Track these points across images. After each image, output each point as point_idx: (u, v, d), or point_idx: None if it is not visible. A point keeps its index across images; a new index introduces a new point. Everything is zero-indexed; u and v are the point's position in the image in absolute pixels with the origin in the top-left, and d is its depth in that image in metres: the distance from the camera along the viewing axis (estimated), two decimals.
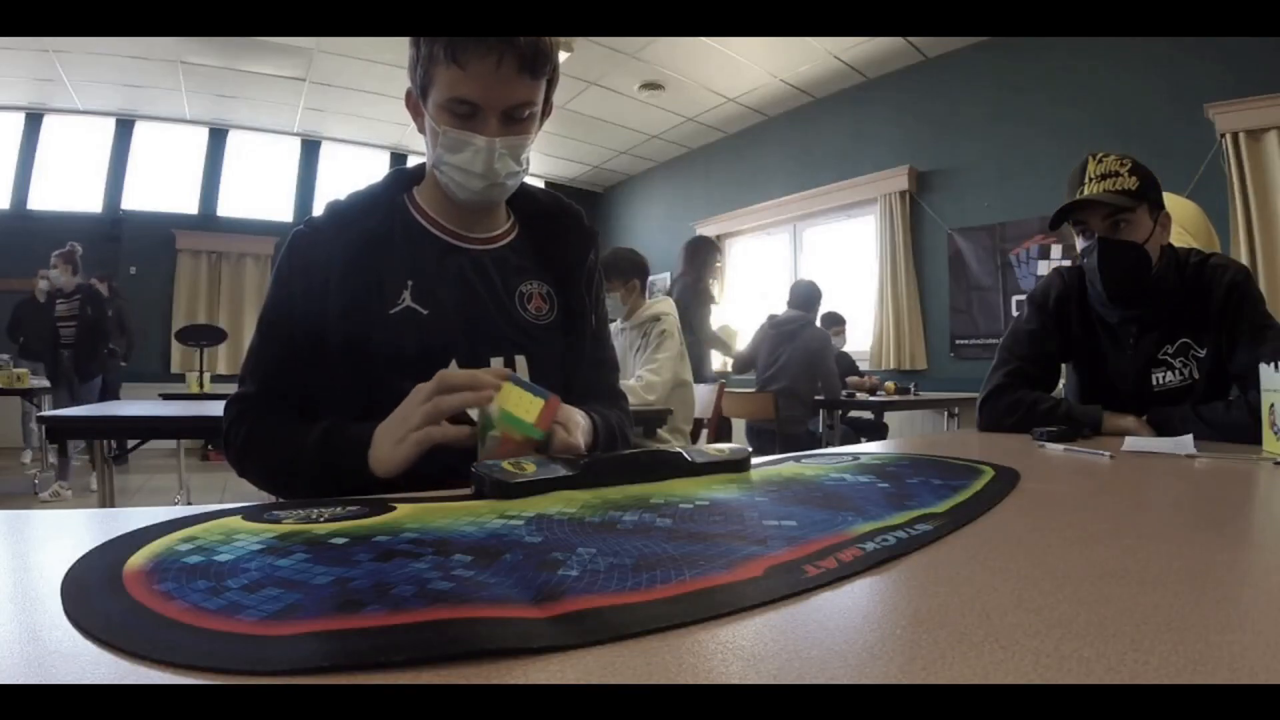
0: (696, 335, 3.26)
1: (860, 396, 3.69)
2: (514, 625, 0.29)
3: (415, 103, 0.84)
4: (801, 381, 3.36)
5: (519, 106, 0.79)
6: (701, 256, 3.46)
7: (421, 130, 0.85)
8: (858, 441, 3.00)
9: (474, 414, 0.67)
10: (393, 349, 0.78)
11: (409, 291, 0.81)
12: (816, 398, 3.41)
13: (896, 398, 3.89)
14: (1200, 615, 0.30)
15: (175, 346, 5.94)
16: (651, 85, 5.23)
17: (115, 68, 4.95)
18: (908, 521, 0.48)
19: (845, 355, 4.34)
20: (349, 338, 0.78)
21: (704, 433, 2.58)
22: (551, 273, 0.92)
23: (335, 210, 0.85)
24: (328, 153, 6.69)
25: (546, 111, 0.86)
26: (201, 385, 4.02)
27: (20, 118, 5.71)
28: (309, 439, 0.72)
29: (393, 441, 0.67)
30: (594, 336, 0.95)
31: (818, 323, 3.84)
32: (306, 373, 0.79)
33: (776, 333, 3.54)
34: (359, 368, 0.78)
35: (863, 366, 4.74)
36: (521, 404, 0.66)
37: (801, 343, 3.42)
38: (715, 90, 5.32)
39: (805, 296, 3.59)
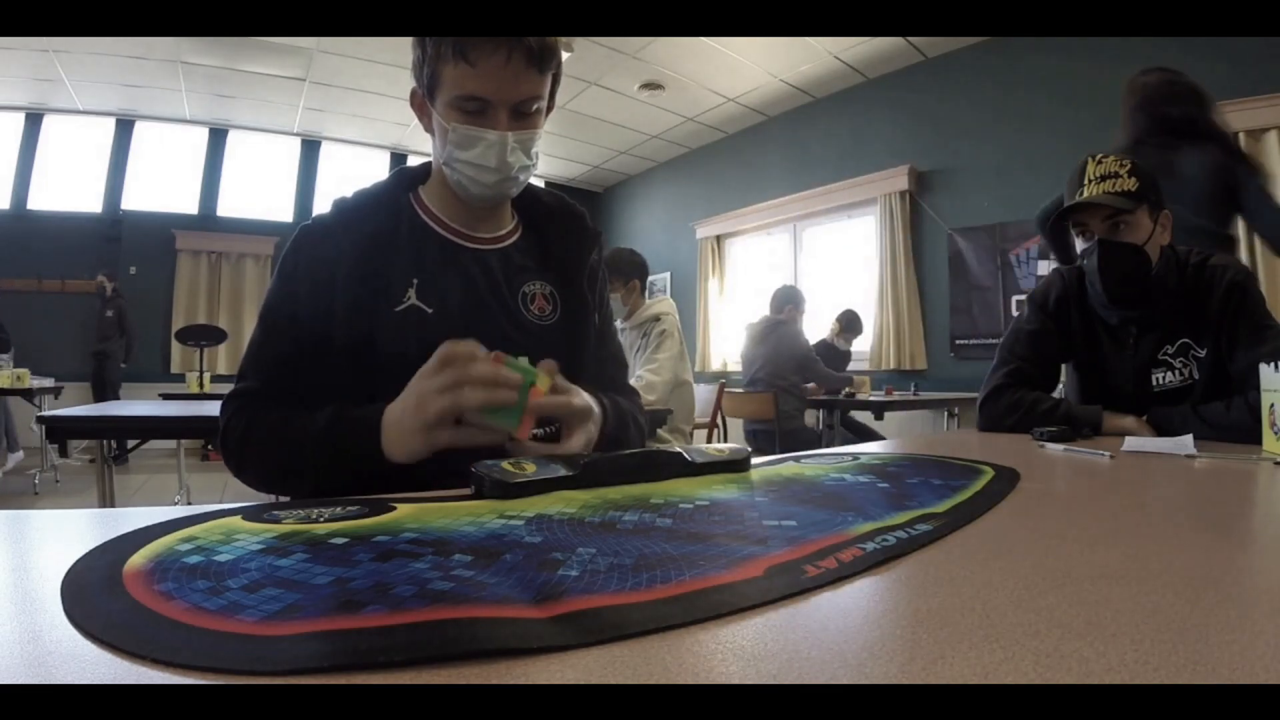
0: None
1: (860, 396, 3.69)
2: (514, 625, 0.29)
3: (421, 102, 0.84)
4: (782, 378, 3.41)
5: (528, 101, 0.80)
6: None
7: (428, 129, 0.85)
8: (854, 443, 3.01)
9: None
10: (397, 347, 0.78)
11: (414, 290, 0.81)
12: (813, 396, 3.44)
13: (896, 397, 3.89)
14: (1200, 615, 0.30)
15: (175, 346, 5.95)
16: (651, 85, 5.23)
17: (115, 68, 4.95)
18: (908, 521, 0.48)
19: (833, 347, 4.34)
20: (354, 335, 0.78)
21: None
22: (555, 273, 0.93)
23: (342, 208, 0.85)
24: (328, 153, 6.69)
25: (550, 107, 0.87)
26: (201, 385, 4.02)
27: (20, 118, 5.71)
28: (315, 425, 0.71)
29: (407, 432, 0.66)
30: (599, 334, 0.95)
31: (828, 322, 3.87)
32: (309, 370, 0.78)
33: (749, 336, 3.64)
34: (362, 366, 0.78)
35: (863, 366, 4.74)
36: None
37: (771, 343, 3.50)
38: (715, 90, 5.32)
39: (778, 300, 3.69)
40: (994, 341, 3.31)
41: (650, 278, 2.66)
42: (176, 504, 2.53)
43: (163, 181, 6.22)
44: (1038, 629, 0.29)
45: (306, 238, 0.83)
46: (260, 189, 6.57)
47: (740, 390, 3.62)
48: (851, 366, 4.47)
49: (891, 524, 0.47)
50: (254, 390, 0.80)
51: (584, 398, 0.75)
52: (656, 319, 2.43)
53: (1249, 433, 0.98)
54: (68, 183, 5.94)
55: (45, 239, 5.76)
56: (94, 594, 0.33)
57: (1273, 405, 0.89)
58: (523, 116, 0.81)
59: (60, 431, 1.90)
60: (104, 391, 5.24)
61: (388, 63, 4.79)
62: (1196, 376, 1.22)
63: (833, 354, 4.26)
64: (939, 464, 0.75)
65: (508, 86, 0.77)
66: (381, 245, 0.82)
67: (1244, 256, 3.24)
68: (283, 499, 0.70)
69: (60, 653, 0.26)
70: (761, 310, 3.82)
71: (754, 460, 0.74)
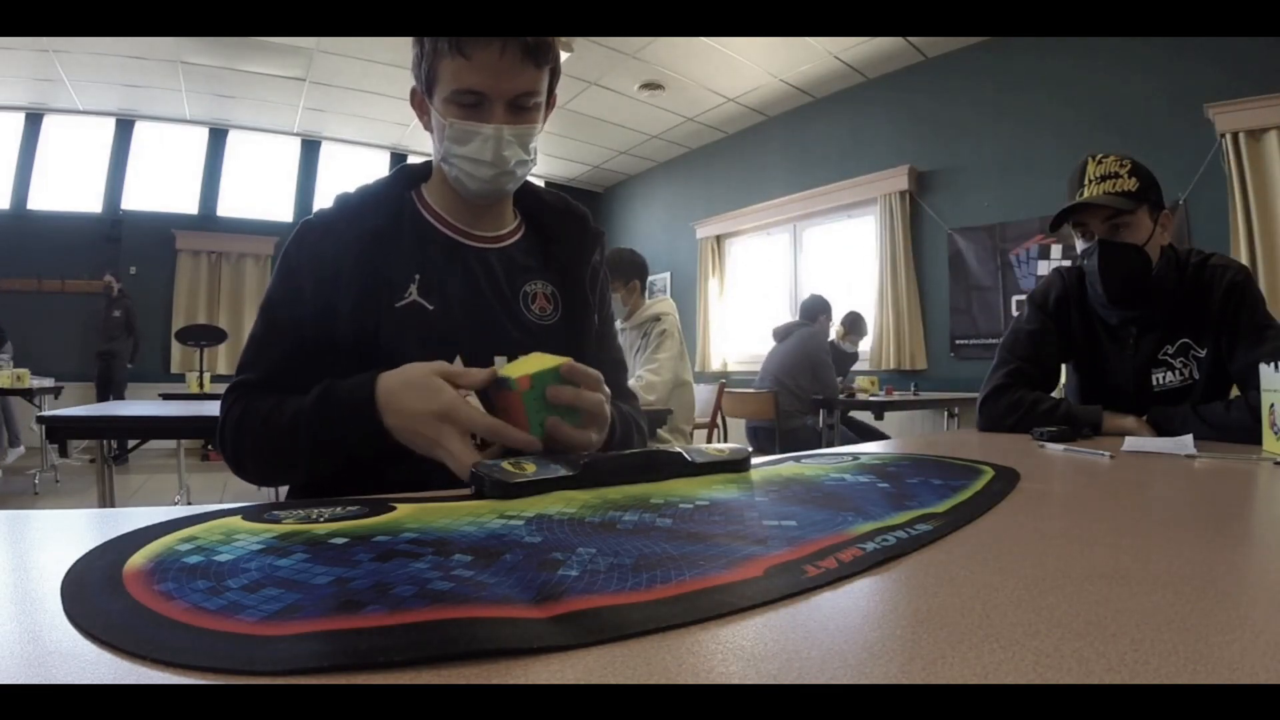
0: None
1: (860, 396, 3.70)
2: (514, 625, 0.29)
3: (420, 100, 0.85)
4: (790, 377, 3.43)
5: (524, 95, 0.80)
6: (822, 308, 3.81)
7: (427, 127, 0.86)
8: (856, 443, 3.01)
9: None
10: (397, 343, 0.78)
11: (415, 286, 0.82)
12: (815, 396, 3.44)
13: (896, 397, 3.90)
14: (1200, 615, 0.30)
15: (175, 346, 5.95)
16: (651, 85, 5.23)
17: (115, 68, 4.95)
18: (908, 521, 0.48)
19: (838, 348, 4.36)
20: (355, 330, 0.78)
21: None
22: (556, 273, 0.93)
23: (345, 204, 0.85)
24: (328, 153, 6.69)
25: (550, 104, 0.87)
26: (201, 385, 4.02)
27: (20, 118, 5.72)
28: (306, 400, 0.71)
29: (421, 440, 0.66)
30: (600, 336, 0.95)
31: (833, 327, 3.93)
32: (310, 364, 0.78)
33: (777, 337, 3.68)
34: (363, 360, 0.78)
35: (864, 366, 4.74)
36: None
37: (791, 341, 3.54)
38: (715, 90, 5.32)
39: (809, 308, 3.78)
40: (994, 341, 3.31)
41: (650, 278, 2.66)
42: (176, 504, 2.53)
43: (163, 181, 6.22)
44: (1038, 629, 0.29)
45: (309, 233, 0.83)
46: (260, 189, 6.57)
47: (749, 390, 3.63)
48: (852, 367, 4.47)
49: (891, 524, 0.47)
50: (253, 382, 0.79)
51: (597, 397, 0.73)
52: (656, 319, 2.42)
53: (1249, 433, 0.98)
54: (68, 183, 5.94)
55: (45, 239, 5.77)
56: (94, 594, 0.33)
57: (1273, 405, 0.89)
58: (519, 111, 0.81)
59: (60, 431, 1.90)
60: (109, 391, 5.23)
61: (388, 63, 4.79)
62: (1196, 376, 1.22)
63: (839, 356, 4.27)
64: (939, 464, 0.75)
65: (502, 80, 0.77)
66: (383, 241, 0.82)
67: (1244, 256, 3.24)
68: (283, 499, 0.70)
69: (60, 653, 0.26)
70: (762, 310, 3.85)
71: (754, 460, 0.74)
